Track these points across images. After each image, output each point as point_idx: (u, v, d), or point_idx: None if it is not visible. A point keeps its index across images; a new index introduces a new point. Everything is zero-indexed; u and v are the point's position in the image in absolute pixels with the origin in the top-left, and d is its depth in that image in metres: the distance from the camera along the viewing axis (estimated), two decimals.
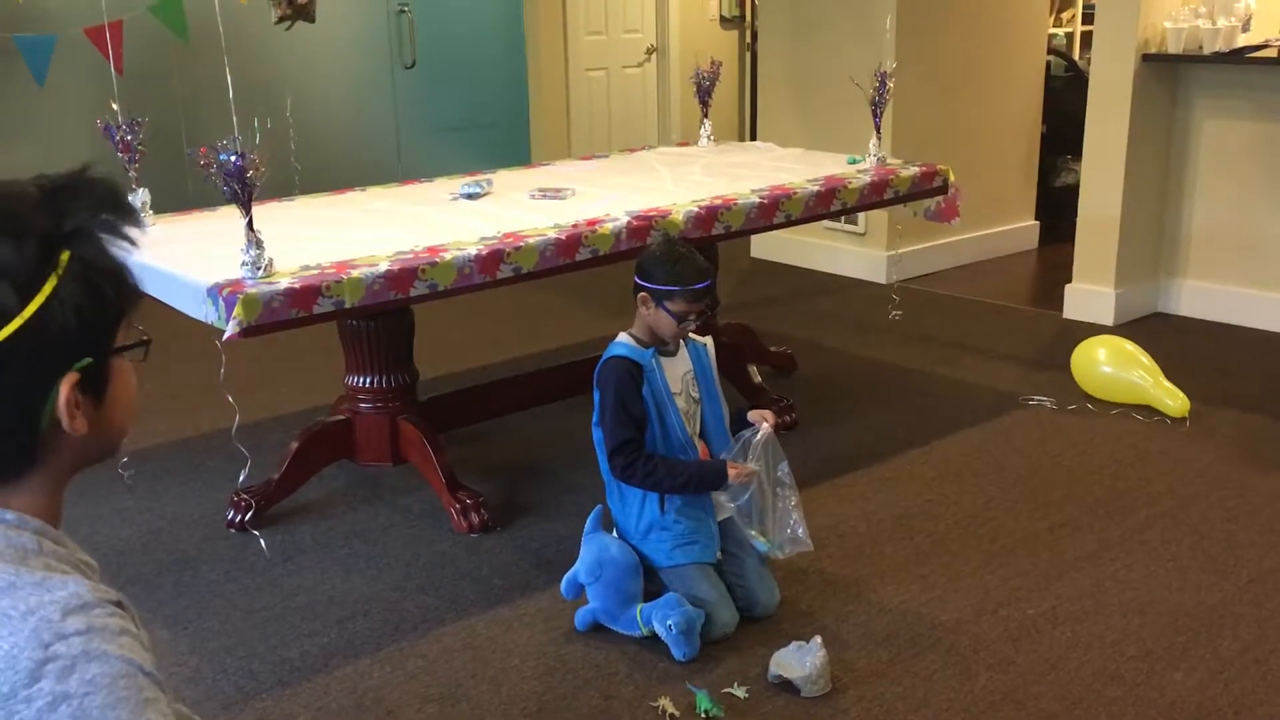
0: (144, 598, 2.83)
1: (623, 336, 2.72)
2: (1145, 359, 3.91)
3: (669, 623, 2.49)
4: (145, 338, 1.14)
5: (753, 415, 2.67)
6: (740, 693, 2.38)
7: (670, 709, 2.33)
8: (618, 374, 2.61)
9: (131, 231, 1.09)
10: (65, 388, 1.05)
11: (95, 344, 1.08)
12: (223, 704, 2.39)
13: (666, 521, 2.62)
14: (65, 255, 1.04)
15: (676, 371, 2.68)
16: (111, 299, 1.08)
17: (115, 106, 3.34)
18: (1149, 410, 3.83)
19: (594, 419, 2.67)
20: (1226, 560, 2.91)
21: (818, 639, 2.42)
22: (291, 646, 2.61)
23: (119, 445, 1.18)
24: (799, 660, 2.38)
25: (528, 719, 2.33)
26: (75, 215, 1.06)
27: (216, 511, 3.26)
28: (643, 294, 2.63)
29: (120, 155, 3.25)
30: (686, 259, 2.63)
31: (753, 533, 2.64)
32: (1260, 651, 2.51)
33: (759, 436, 2.59)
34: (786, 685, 2.39)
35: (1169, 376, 3.88)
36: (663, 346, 2.68)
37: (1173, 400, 3.80)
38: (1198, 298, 4.90)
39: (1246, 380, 4.18)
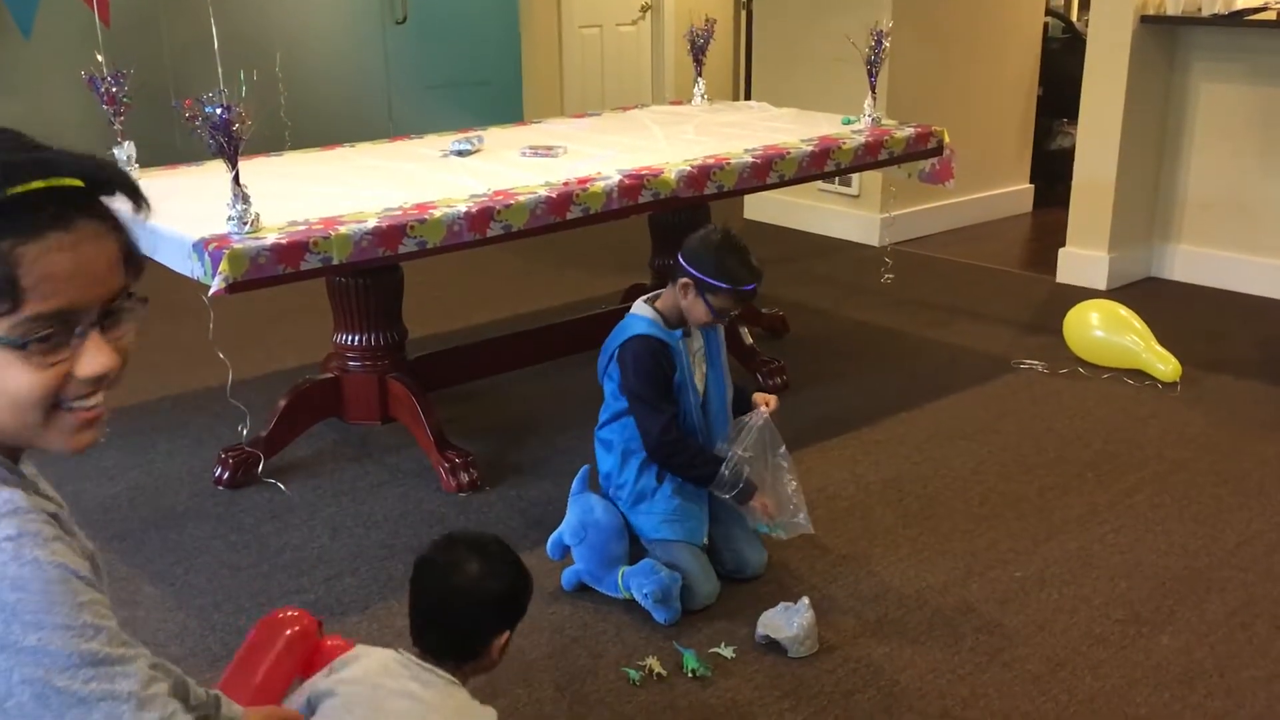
0: (130, 554, 2.82)
1: (644, 309, 2.61)
2: (1138, 323, 3.90)
3: (645, 591, 2.49)
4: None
5: (757, 398, 2.65)
6: (728, 653, 2.39)
7: (657, 668, 2.33)
8: (650, 356, 2.53)
9: None
10: None
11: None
12: (209, 660, 2.39)
13: (662, 494, 2.60)
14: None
15: (691, 349, 2.63)
16: (21, 284, 1.06)
17: (100, 58, 3.30)
18: (1140, 374, 3.83)
19: (607, 385, 2.63)
20: (1215, 524, 2.91)
21: (805, 600, 2.42)
22: (279, 604, 2.60)
23: None
24: (787, 621, 2.39)
25: (514, 677, 2.33)
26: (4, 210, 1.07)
27: (204, 469, 3.25)
28: (685, 279, 2.53)
29: (105, 108, 3.21)
30: (742, 257, 2.52)
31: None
32: (1246, 615, 2.52)
33: (756, 422, 2.57)
34: (774, 646, 2.39)
35: (1161, 341, 3.87)
36: (685, 327, 2.62)
37: (1164, 365, 3.79)
38: (1191, 262, 4.89)
39: (1238, 345, 4.17)
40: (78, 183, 1.08)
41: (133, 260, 1.14)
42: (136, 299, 1.14)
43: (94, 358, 1.09)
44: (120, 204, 1.15)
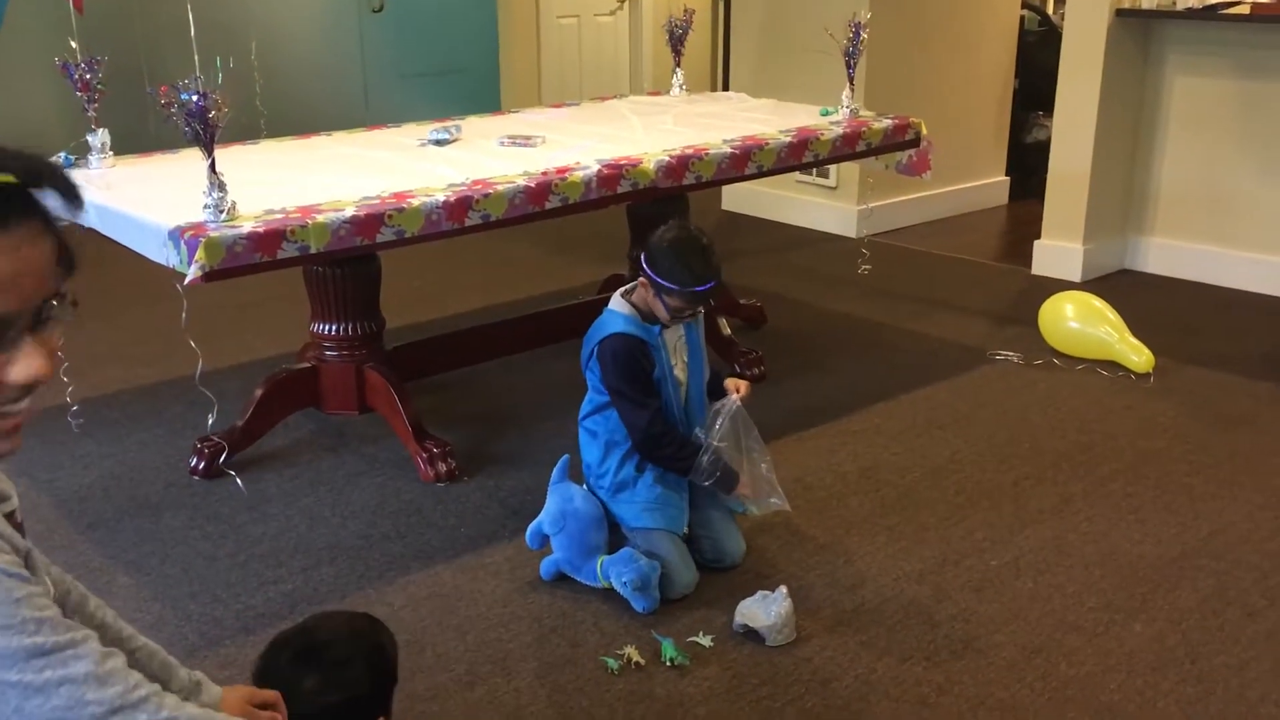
0: (105, 544, 2.80)
1: (621, 304, 2.60)
2: (1112, 315, 3.93)
3: (624, 580, 2.49)
4: None
5: (728, 384, 2.66)
6: (705, 641, 2.40)
7: (636, 657, 2.34)
8: (629, 354, 2.53)
9: None
10: None
11: None
12: (186, 650, 2.38)
13: (643, 483, 2.61)
14: None
15: (671, 340, 2.63)
16: None
17: (74, 45, 3.27)
18: (1114, 366, 3.86)
19: (590, 378, 2.64)
20: (1187, 514, 2.94)
21: (783, 589, 2.44)
22: (255, 594, 2.60)
23: None
24: (764, 609, 2.40)
25: (493, 667, 2.33)
26: None
27: (179, 458, 3.23)
28: (643, 277, 2.55)
29: (79, 95, 3.19)
30: (695, 256, 2.50)
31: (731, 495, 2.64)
32: (1218, 603, 2.54)
33: (728, 409, 2.58)
34: (752, 634, 2.40)
35: (1135, 333, 3.90)
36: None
37: (1138, 356, 3.82)
38: (1165, 255, 4.92)
39: (1211, 337, 4.21)
40: (9, 179, 1.01)
41: (65, 261, 1.08)
42: (68, 301, 1.08)
43: (29, 363, 1.04)
44: (53, 201, 1.08)
